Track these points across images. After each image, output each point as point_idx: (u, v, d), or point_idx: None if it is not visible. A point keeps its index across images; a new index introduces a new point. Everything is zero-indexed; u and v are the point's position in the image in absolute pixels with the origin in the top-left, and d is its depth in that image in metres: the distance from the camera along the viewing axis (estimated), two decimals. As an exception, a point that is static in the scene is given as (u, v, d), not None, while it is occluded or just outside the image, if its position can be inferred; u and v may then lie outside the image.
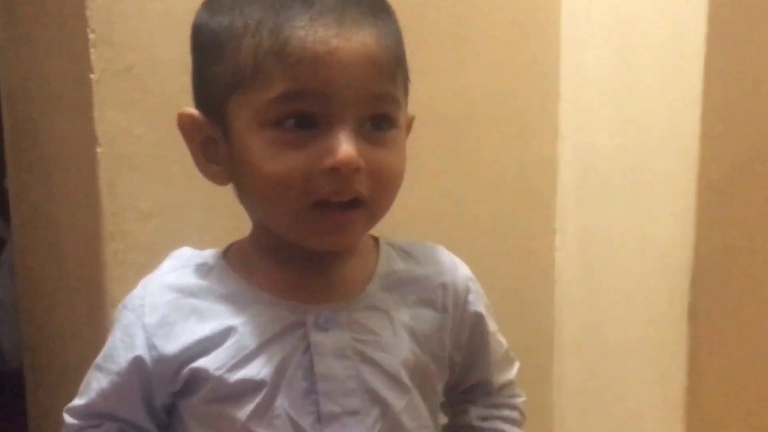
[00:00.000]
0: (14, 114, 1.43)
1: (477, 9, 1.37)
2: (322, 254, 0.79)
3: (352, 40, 0.70)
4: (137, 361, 0.77)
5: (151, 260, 0.85)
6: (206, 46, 0.75)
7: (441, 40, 1.34)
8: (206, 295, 0.78)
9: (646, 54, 1.33)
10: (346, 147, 0.70)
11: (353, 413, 0.76)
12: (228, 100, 0.73)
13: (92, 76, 1.06)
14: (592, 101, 1.43)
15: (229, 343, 0.76)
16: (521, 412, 0.92)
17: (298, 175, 0.71)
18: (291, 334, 0.77)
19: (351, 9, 0.71)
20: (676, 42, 1.26)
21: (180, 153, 0.79)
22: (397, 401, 0.78)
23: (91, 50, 1.05)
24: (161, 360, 0.77)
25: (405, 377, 0.79)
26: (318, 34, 0.70)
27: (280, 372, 0.75)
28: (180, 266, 0.82)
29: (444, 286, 0.84)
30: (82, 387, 0.82)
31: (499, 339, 0.90)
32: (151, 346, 0.77)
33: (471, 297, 0.86)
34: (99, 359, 0.81)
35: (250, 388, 0.75)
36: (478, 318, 0.87)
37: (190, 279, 0.80)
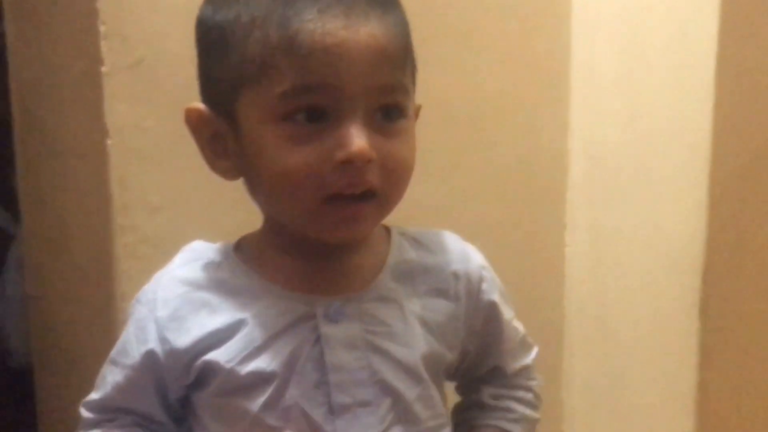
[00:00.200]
0: (24, 107, 1.43)
1: (487, 4, 1.37)
2: (334, 246, 0.79)
3: (360, 31, 0.70)
4: (150, 355, 0.77)
5: (160, 253, 0.85)
6: (212, 41, 0.75)
7: (451, 36, 1.34)
8: (217, 289, 0.78)
9: (657, 48, 1.32)
10: (358, 140, 0.70)
11: (365, 404, 0.76)
12: (236, 95, 0.73)
13: (103, 68, 1.06)
14: (603, 96, 1.43)
15: (240, 336, 0.76)
16: (536, 395, 0.91)
17: (311, 170, 0.70)
18: (301, 326, 0.76)
19: (358, 0, 0.71)
20: (688, 36, 1.26)
21: (190, 146, 0.79)
22: (409, 391, 0.78)
23: (102, 43, 1.05)
24: (173, 353, 0.77)
25: (417, 367, 0.79)
26: (326, 26, 0.69)
27: (290, 364, 0.75)
28: (191, 260, 0.81)
29: (456, 275, 0.83)
30: (97, 381, 0.82)
31: (515, 325, 0.89)
32: (163, 340, 0.77)
33: (484, 286, 0.85)
34: (113, 353, 0.81)
35: (261, 380, 0.75)
36: (492, 306, 0.86)
37: (202, 272, 0.80)
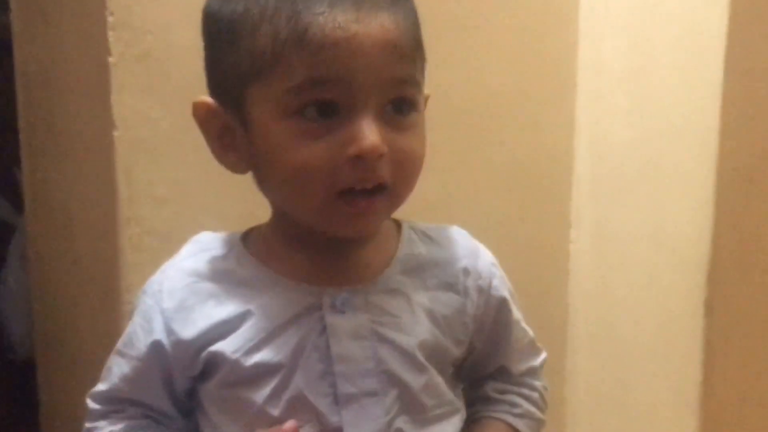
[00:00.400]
0: (29, 98, 1.42)
1: (495, 0, 1.36)
2: (343, 239, 0.78)
3: (371, 25, 0.70)
4: (156, 346, 0.77)
5: (167, 245, 0.85)
6: (220, 34, 0.74)
7: (458, 32, 1.34)
8: (224, 280, 0.78)
9: (665, 46, 1.32)
10: (370, 134, 0.69)
11: (371, 394, 0.76)
12: (246, 89, 0.72)
13: (110, 59, 1.06)
14: (609, 93, 1.43)
15: (246, 327, 0.76)
16: (542, 396, 0.90)
17: (323, 165, 0.70)
18: (307, 317, 0.76)
19: None
20: (696, 33, 1.26)
21: (197, 138, 0.79)
22: (415, 381, 0.78)
23: (110, 33, 1.05)
24: (179, 344, 0.76)
25: (422, 357, 0.78)
26: (337, 20, 0.69)
27: (296, 354, 0.75)
28: (199, 251, 0.81)
29: (466, 270, 0.83)
30: (104, 372, 0.81)
31: (524, 327, 0.89)
32: (170, 331, 0.77)
33: (495, 282, 0.85)
34: (120, 344, 0.80)
35: (266, 371, 0.75)
36: (503, 303, 0.86)
37: (209, 263, 0.79)
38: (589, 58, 1.45)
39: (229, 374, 0.76)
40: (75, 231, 1.32)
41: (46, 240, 1.47)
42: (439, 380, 0.80)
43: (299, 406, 0.75)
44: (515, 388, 0.89)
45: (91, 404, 0.81)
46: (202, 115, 0.76)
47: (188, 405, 0.81)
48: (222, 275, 0.78)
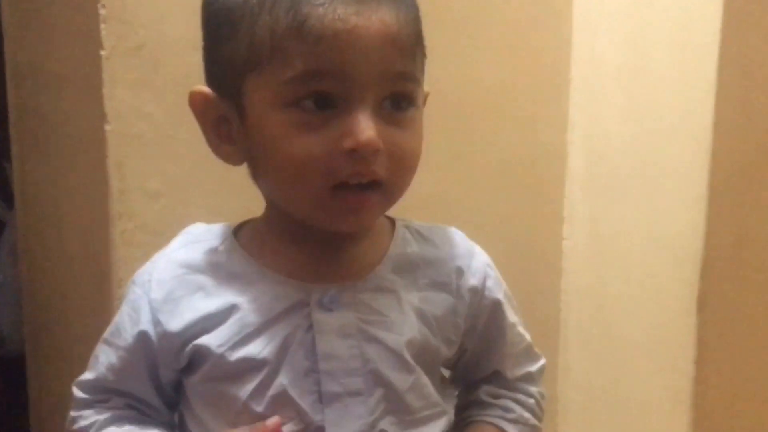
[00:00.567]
0: (20, 91, 1.41)
1: (489, -5, 1.36)
2: (336, 235, 0.77)
3: (371, 18, 0.69)
4: (142, 336, 0.76)
5: (159, 240, 0.84)
6: (219, 23, 0.73)
7: (452, 27, 1.33)
8: (213, 272, 0.77)
9: (660, 41, 1.32)
10: (366, 129, 0.69)
11: (355, 393, 0.75)
12: (243, 79, 0.72)
13: (102, 52, 1.05)
14: (604, 89, 1.43)
15: (232, 321, 0.75)
16: (538, 402, 0.89)
17: (318, 158, 0.69)
18: (295, 313, 0.75)
19: None
20: (691, 29, 1.26)
21: (190, 132, 0.78)
22: (401, 381, 0.77)
23: (102, 26, 1.04)
24: (166, 336, 0.76)
25: (409, 356, 0.77)
26: (337, 12, 0.68)
27: (282, 351, 0.74)
28: (190, 242, 0.81)
29: (459, 270, 0.82)
30: (91, 361, 0.81)
31: (520, 331, 0.87)
32: (156, 322, 0.76)
33: (489, 283, 0.84)
34: (107, 334, 0.80)
35: (251, 366, 0.74)
36: (497, 305, 0.84)
37: (199, 255, 0.79)
38: (583, 53, 1.45)
39: (213, 368, 0.75)
40: (66, 226, 1.31)
41: (37, 235, 1.46)
42: (426, 381, 0.79)
43: (282, 404, 0.74)
44: (510, 393, 0.87)
45: (77, 393, 0.80)
46: (198, 104, 0.76)
47: (174, 398, 0.81)
48: (211, 268, 0.78)
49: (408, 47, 0.72)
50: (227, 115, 0.75)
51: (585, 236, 1.49)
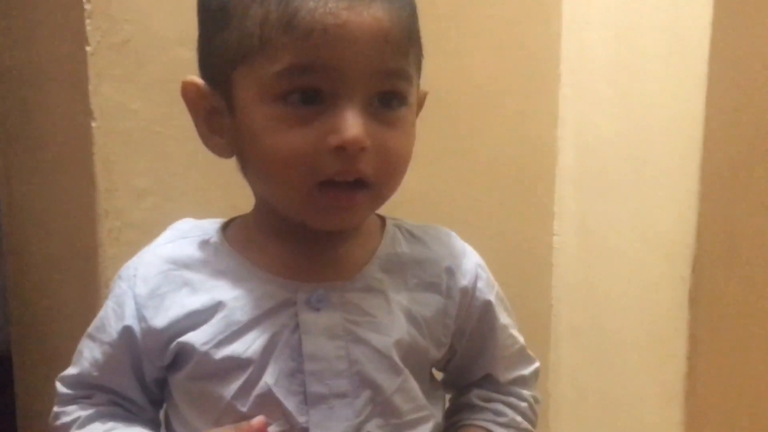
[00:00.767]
0: (4, 88, 1.40)
1: (478, -10, 1.36)
2: (324, 234, 0.77)
3: (363, 13, 0.68)
4: (127, 332, 0.76)
5: (146, 238, 0.83)
6: (213, 13, 0.73)
7: (441, 22, 1.33)
8: (200, 269, 0.77)
9: (650, 37, 1.32)
10: (353, 126, 0.68)
11: (341, 395, 0.74)
12: (233, 71, 0.71)
13: (88, 48, 1.04)
14: (593, 85, 1.42)
15: (218, 319, 0.74)
16: (531, 406, 0.87)
17: (303, 154, 0.68)
18: (281, 313, 0.74)
19: None
20: (681, 24, 1.25)
21: (177, 129, 0.77)
22: (388, 383, 0.76)
23: (87, 22, 1.03)
24: (150, 332, 0.75)
25: (397, 358, 0.76)
26: (328, 6, 0.67)
27: (267, 351, 0.73)
28: (177, 237, 0.80)
29: (450, 271, 0.81)
30: (75, 356, 0.80)
31: (513, 334, 0.86)
32: (141, 318, 0.75)
33: (480, 284, 0.83)
34: (91, 329, 0.79)
35: (236, 365, 0.73)
36: (487, 306, 0.83)
37: (186, 251, 0.78)
38: (572, 49, 1.45)
39: (198, 367, 0.74)
40: (52, 224, 1.30)
41: (22, 233, 1.44)
42: (414, 384, 0.78)
43: (267, 404, 0.73)
44: (502, 397, 0.86)
45: (61, 388, 0.80)
46: (190, 95, 0.75)
47: (159, 395, 0.80)
48: (198, 264, 0.77)
49: (401, 44, 0.71)
50: (218, 107, 0.74)
51: (575, 232, 1.49)
